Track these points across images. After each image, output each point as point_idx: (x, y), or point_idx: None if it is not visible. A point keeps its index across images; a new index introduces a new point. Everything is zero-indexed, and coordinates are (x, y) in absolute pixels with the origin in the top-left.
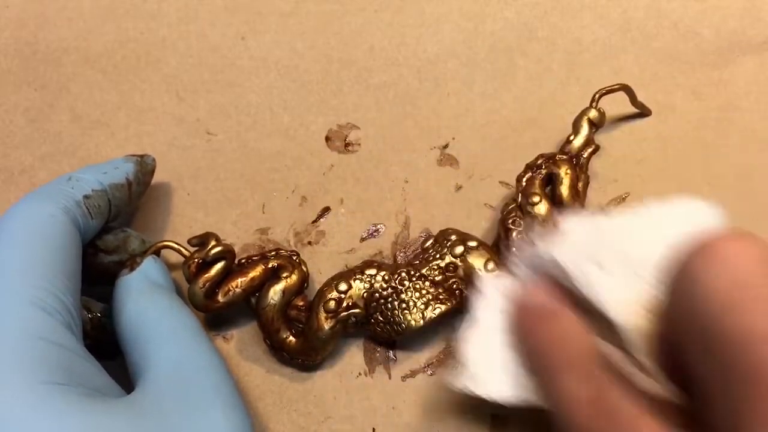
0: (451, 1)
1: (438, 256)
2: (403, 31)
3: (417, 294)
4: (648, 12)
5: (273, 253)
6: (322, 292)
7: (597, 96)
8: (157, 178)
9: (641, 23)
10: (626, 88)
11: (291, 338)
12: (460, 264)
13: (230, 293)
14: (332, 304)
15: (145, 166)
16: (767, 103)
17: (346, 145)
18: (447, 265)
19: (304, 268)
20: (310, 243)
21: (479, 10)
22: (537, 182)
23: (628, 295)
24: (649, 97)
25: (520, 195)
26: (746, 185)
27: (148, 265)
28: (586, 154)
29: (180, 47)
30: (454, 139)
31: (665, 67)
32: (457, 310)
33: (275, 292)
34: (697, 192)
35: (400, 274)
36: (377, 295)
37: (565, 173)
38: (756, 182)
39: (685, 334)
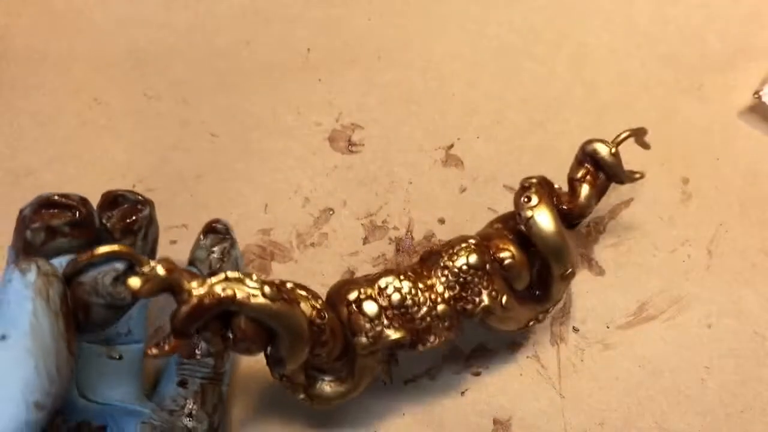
0: (456, 3)
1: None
2: (408, 32)
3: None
4: (653, 17)
5: None
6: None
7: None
8: (161, 179)
9: (646, 28)
10: (639, 132)
11: None
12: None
13: None
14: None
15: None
16: None
17: (350, 145)
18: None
19: None
20: (312, 245)
21: (485, 12)
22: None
23: None
24: (654, 101)
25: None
26: (753, 189)
27: None
28: None
29: (186, 53)
30: (459, 139)
31: (670, 71)
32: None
33: None
34: (704, 196)
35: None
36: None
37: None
38: (762, 186)
39: None
